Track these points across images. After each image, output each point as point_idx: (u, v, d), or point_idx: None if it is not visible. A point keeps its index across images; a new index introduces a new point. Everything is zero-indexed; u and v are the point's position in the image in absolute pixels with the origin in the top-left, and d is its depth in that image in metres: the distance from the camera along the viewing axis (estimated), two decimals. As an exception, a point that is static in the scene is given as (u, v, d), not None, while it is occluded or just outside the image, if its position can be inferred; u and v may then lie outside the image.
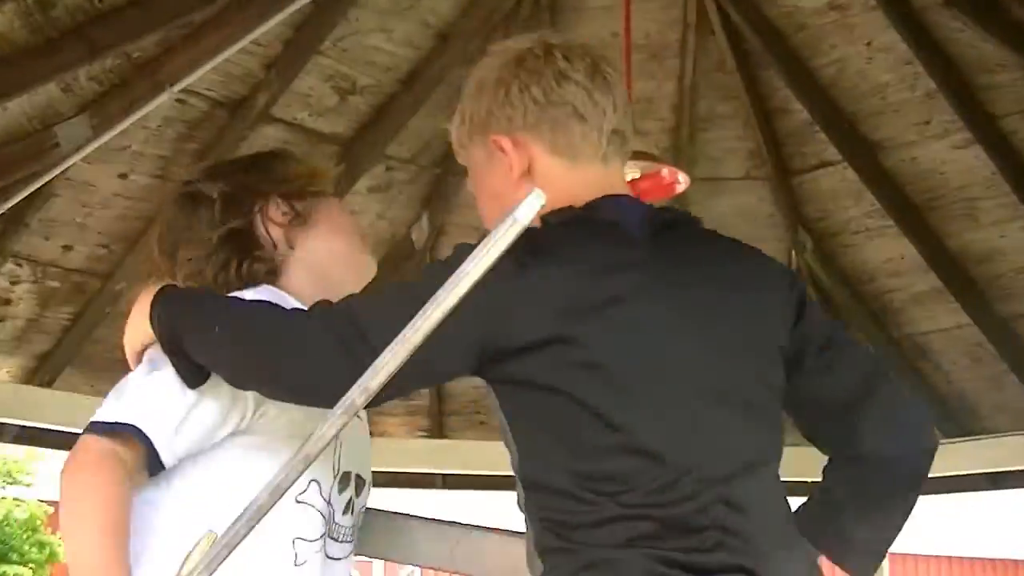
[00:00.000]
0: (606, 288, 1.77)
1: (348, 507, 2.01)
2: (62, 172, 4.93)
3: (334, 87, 5.42)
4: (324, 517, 1.95)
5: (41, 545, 15.52)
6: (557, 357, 1.72)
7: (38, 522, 15.72)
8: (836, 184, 5.83)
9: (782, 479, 1.90)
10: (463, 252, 1.67)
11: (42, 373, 5.87)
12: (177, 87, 4.87)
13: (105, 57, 4.63)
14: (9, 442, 6.45)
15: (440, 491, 7.02)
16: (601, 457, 1.73)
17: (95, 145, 4.83)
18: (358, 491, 2.03)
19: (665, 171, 4.24)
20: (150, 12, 4.54)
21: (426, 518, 2.18)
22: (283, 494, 1.65)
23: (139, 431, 1.80)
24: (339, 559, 1.99)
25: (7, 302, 5.58)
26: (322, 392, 1.73)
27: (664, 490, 1.72)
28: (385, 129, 5.66)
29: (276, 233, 2.10)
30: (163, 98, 4.89)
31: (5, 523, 15.38)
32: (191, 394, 1.84)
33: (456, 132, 2.02)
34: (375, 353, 1.64)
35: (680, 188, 4.32)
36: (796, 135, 5.74)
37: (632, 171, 4.11)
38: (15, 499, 15.90)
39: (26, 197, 4.96)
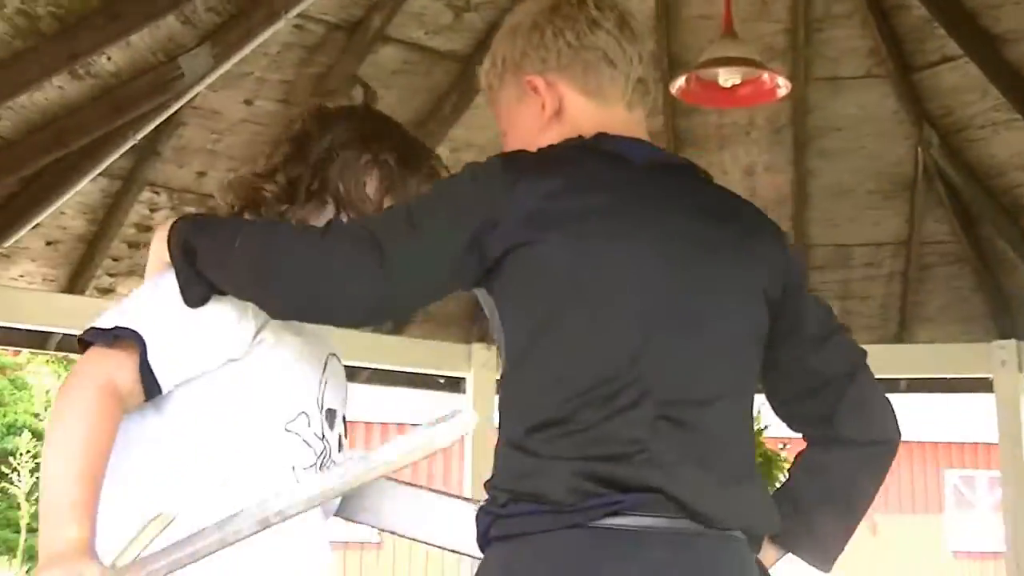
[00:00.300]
0: (586, 201, 1.86)
1: (340, 445, 2.08)
2: (189, 101, 5.10)
3: (448, 4, 5.46)
4: (316, 451, 2.00)
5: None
6: (530, 260, 1.82)
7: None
8: (959, 79, 5.68)
9: None
10: (467, 166, 1.90)
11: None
12: (292, 13, 4.98)
13: (221, -13, 4.76)
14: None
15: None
16: (552, 360, 1.82)
17: (217, 74, 4.97)
18: (344, 431, 2.10)
19: (765, 76, 4.21)
20: (259, -59, 4.65)
21: (449, 494, 2.25)
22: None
23: (137, 337, 1.86)
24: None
25: (147, 228, 5.80)
26: (339, 301, 1.86)
27: (605, 401, 1.78)
28: (501, 44, 5.68)
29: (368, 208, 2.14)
30: (279, 25, 5.00)
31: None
32: (192, 313, 1.90)
33: (488, 73, 2.13)
34: (389, 263, 1.80)
35: (781, 93, 4.29)
36: (915, 31, 5.60)
37: (733, 76, 4.11)
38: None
39: (156, 127, 5.15)
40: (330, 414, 2.05)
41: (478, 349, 6.46)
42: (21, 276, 5.65)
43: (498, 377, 1.93)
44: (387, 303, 1.90)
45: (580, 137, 1.97)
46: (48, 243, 5.56)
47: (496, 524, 1.79)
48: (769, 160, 6.17)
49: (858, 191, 6.24)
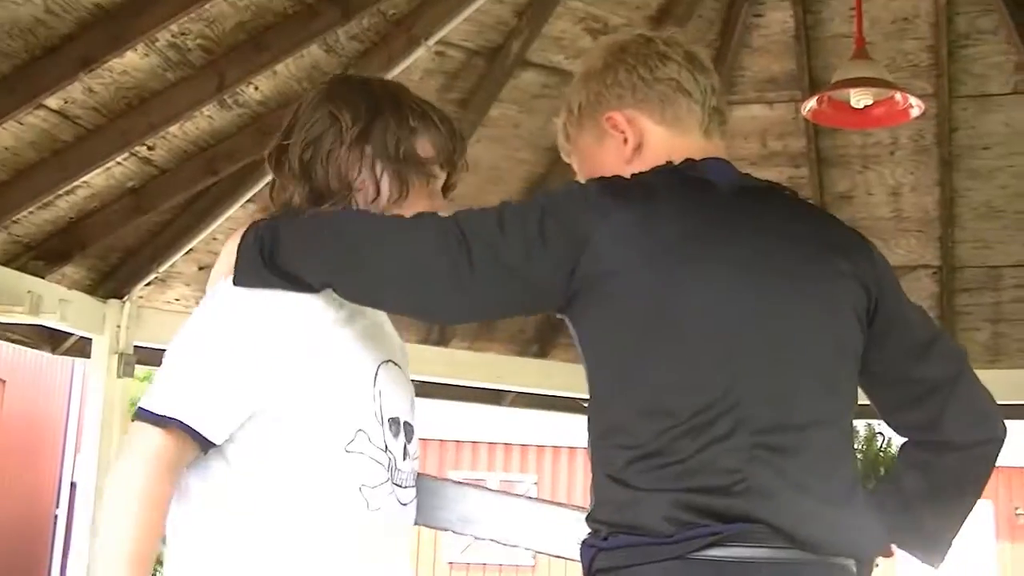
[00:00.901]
0: (676, 228, 1.87)
1: (404, 453, 2.05)
2: (335, 128, 5.22)
3: (586, 28, 5.50)
4: (383, 464, 1.99)
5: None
6: (620, 286, 1.83)
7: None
8: (1111, 94, 5.54)
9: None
10: (562, 187, 1.92)
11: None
12: (432, 40, 5.10)
13: (361, 17, 4.87)
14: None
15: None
16: (645, 391, 1.81)
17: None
18: (408, 438, 2.07)
19: (898, 96, 4.16)
20: (399, -30, 4.76)
21: (493, 490, 2.24)
22: None
23: (186, 424, 1.87)
24: (408, 504, 2.05)
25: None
26: (420, 296, 1.90)
27: (700, 431, 1.77)
28: (640, 66, 5.69)
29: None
30: (420, 51, 5.12)
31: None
32: (234, 361, 1.91)
33: (564, 124, 2.14)
34: (474, 265, 1.83)
35: (914, 113, 4.23)
36: (1064, 45, 5.48)
37: (865, 97, 4.07)
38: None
39: (302, 154, 5.28)
40: (393, 423, 2.03)
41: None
42: (176, 300, 5.85)
43: (587, 406, 1.91)
44: (466, 306, 1.93)
45: (669, 163, 1.98)
46: (201, 268, 5.74)
47: (599, 557, 1.80)
48: (915, 180, 6.08)
49: (1008, 211, 6.11)
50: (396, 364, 2.09)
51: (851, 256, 2.00)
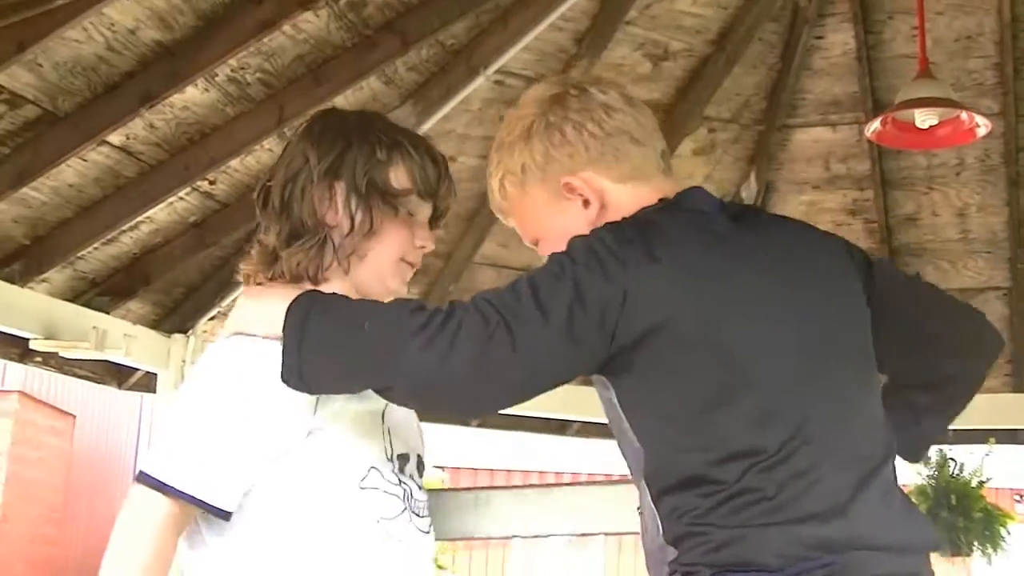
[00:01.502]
0: (710, 268, 1.82)
1: (419, 485, 2.04)
2: (393, 160, 5.23)
3: (646, 54, 5.48)
4: (400, 496, 1.98)
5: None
6: (675, 340, 1.76)
7: (436, 487, 16.60)
8: None
9: None
10: (576, 243, 1.84)
11: (396, 350, 6.22)
12: (491, 69, 5.09)
13: (419, 47, 4.87)
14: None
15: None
16: (729, 433, 1.77)
17: (420, 132, 5.09)
18: (420, 471, 2.06)
19: (964, 116, 4.10)
20: (456, 0, 4.75)
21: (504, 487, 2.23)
22: None
23: (199, 499, 1.85)
24: (428, 532, 2.05)
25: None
26: (468, 393, 1.83)
27: (781, 465, 1.75)
28: (701, 91, 5.67)
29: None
30: (479, 81, 5.12)
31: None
32: (242, 424, 1.89)
33: (501, 184, 2.07)
34: (520, 351, 1.76)
35: (981, 133, 4.16)
36: None
37: (929, 117, 4.01)
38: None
39: (363, 186, 5.29)
40: (401, 459, 2.01)
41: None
42: (238, 334, 5.85)
43: (646, 460, 1.84)
44: (516, 391, 1.84)
45: (663, 199, 1.94)
46: (263, 301, 5.73)
47: None
48: (982, 200, 5.99)
49: (1078, 231, 6.00)
50: None
51: (838, 256, 2.02)
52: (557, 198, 2.00)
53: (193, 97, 4.55)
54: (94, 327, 5.11)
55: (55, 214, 4.79)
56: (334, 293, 1.94)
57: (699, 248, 1.85)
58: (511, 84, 5.38)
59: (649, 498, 1.84)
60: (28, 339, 5.00)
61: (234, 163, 4.93)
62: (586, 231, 1.91)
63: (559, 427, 7.23)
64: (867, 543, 1.75)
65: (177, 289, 5.62)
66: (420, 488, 2.05)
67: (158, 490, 1.85)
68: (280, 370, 1.87)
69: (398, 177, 2.06)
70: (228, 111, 4.71)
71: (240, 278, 2.11)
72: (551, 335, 1.76)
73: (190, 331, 5.67)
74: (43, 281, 5.02)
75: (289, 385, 1.87)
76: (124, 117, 4.39)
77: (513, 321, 1.77)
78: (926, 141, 4.26)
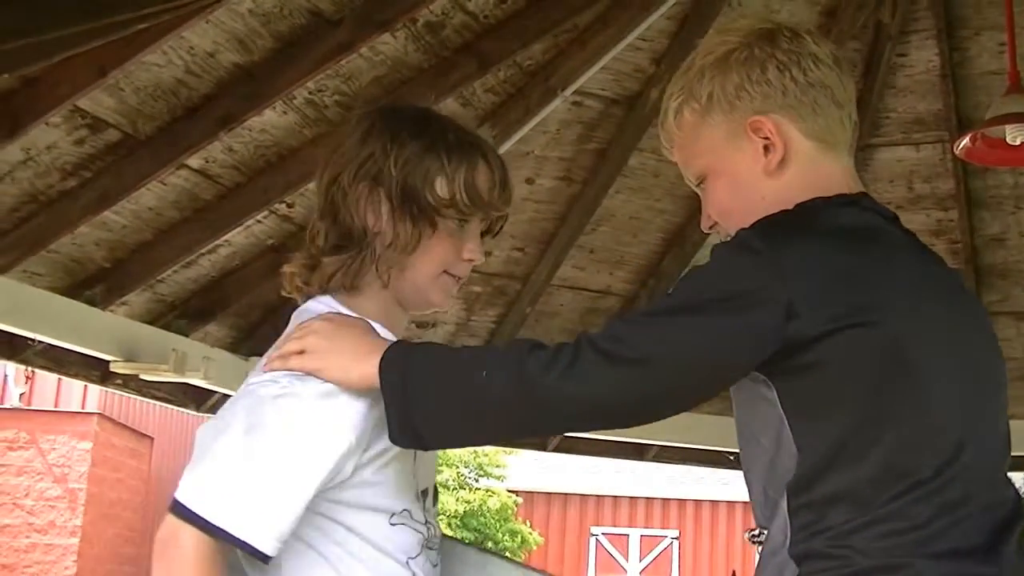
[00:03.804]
0: (892, 275, 1.73)
1: (435, 518, 1.98)
2: (471, 181, 5.21)
3: (725, 74, 5.41)
4: (424, 534, 1.91)
5: (513, 532, 16.32)
6: (857, 341, 1.66)
7: (509, 511, 16.56)
8: None
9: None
10: (720, 253, 1.73)
11: (474, 373, 6.19)
12: (569, 90, 5.06)
13: (497, 69, 4.85)
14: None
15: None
16: (888, 451, 1.67)
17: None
18: (435, 501, 2.00)
19: (1053, 134, 3.99)
20: (534, 20, 4.70)
21: (515, 562, 2.16)
22: None
23: (243, 541, 1.75)
24: (437, 565, 1.97)
25: (435, 307, 5.93)
26: (610, 422, 1.79)
27: (939, 491, 1.66)
28: (782, 111, 5.59)
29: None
30: (557, 102, 5.09)
31: (480, 513, 16.27)
32: (294, 479, 1.78)
33: (679, 110, 1.92)
34: (659, 374, 1.68)
35: (1073, 151, 4.06)
36: None
37: (1022, 132, 3.91)
38: (487, 490, 16.81)
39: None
40: (423, 495, 1.94)
41: (767, 423, 6.33)
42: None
43: (790, 479, 1.73)
44: (658, 412, 1.76)
45: (842, 195, 1.83)
46: (340, 322, 5.72)
47: None
48: (1071, 220, 5.86)
49: None
50: None
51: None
52: (738, 136, 1.85)
53: (271, 120, 4.55)
54: (173, 350, 5.13)
55: (135, 237, 4.82)
56: (426, 344, 1.85)
57: (886, 256, 1.75)
58: (589, 105, 5.35)
59: (784, 507, 1.73)
60: (108, 361, 5.03)
61: (311, 186, 4.92)
62: (759, 178, 1.83)
63: (637, 451, 7.15)
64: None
65: (254, 312, 5.62)
66: (436, 523, 1.98)
67: (198, 527, 1.75)
68: (389, 431, 1.78)
69: (449, 184, 1.91)
70: (306, 133, 4.70)
71: (284, 280, 2.02)
72: (700, 356, 1.70)
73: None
74: (123, 304, 5.04)
75: (402, 445, 1.80)
76: (203, 140, 4.41)
77: (653, 349, 1.69)
78: (1018, 158, 4.16)
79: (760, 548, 1.80)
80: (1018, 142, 3.95)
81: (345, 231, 1.92)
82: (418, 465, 1.94)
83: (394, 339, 1.90)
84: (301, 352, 1.84)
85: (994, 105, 4.06)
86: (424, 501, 1.94)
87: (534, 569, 2.20)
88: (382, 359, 1.79)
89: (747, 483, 1.86)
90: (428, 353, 1.82)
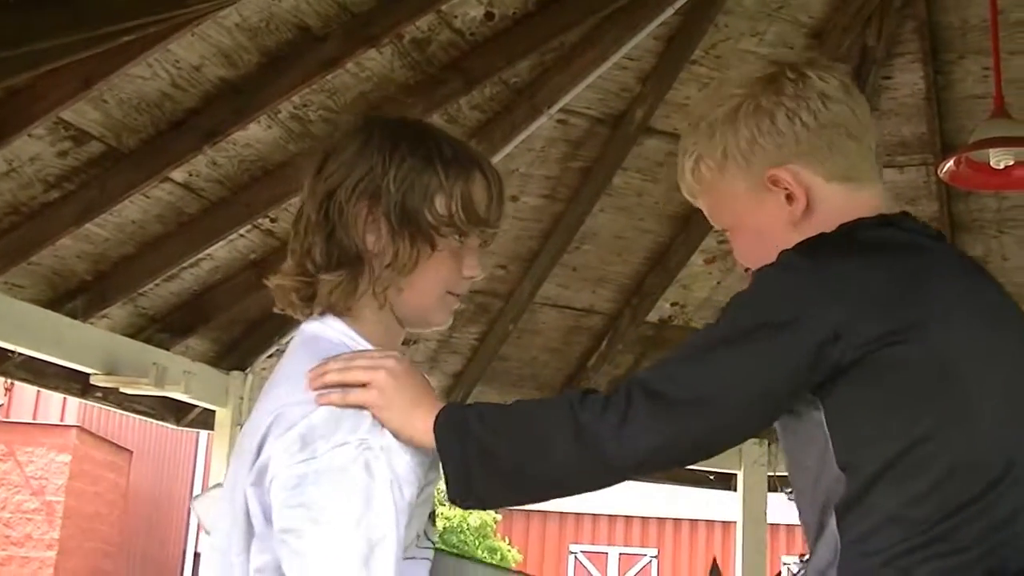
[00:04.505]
0: (935, 292, 1.72)
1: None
2: (456, 198, 5.20)
3: (711, 94, 5.41)
4: (430, 558, 1.87)
5: (492, 550, 16.27)
6: (901, 359, 1.65)
7: (488, 529, 16.51)
8: None
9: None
10: (762, 276, 1.73)
11: (456, 391, 6.19)
12: (554, 108, 5.06)
13: (483, 86, 4.84)
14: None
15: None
16: (934, 469, 1.66)
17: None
18: (433, 523, 1.94)
19: (1044, 156, 4.01)
20: (520, 38, 4.70)
21: (489, 564, 2.13)
22: None
23: None
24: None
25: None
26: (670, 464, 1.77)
27: (982, 514, 1.65)
28: (767, 132, 5.59)
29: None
30: (542, 120, 5.09)
31: (459, 530, 16.22)
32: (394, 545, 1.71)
33: (696, 166, 1.91)
34: (701, 404, 1.68)
35: (1064, 174, 4.07)
36: None
37: (1005, 157, 3.93)
38: (467, 507, 16.80)
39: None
40: (431, 517, 1.90)
41: (749, 446, 6.32)
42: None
43: (838, 500, 1.71)
44: (720, 448, 1.75)
45: (882, 216, 1.82)
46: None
47: None
48: (1055, 244, 5.87)
49: None
50: None
51: None
52: (758, 189, 1.84)
53: (256, 134, 4.54)
54: (154, 363, 5.10)
55: (118, 250, 4.80)
56: (479, 404, 1.84)
57: (924, 276, 1.74)
58: (574, 123, 5.35)
59: (833, 527, 1.72)
60: (89, 374, 5.00)
61: (295, 201, 4.90)
62: (785, 229, 1.82)
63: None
64: None
65: (237, 326, 5.60)
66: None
67: None
68: (448, 492, 1.76)
69: (447, 201, 1.86)
70: (290, 148, 4.69)
71: (274, 294, 1.95)
72: (748, 390, 1.68)
73: (248, 368, 5.65)
74: (104, 317, 5.02)
75: (459, 505, 1.79)
76: (187, 154, 4.39)
77: (706, 390, 1.69)
78: (1001, 182, 4.16)
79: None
80: (1002, 166, 3.96)
81: (341, 249, 1.86)
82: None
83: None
84: (364, 385, 1.79)
85: (979, 129, 4.07)
86: (433, 519, 1.91)
87: (508, 570, 2.18)
88: (436, 424, 1.77)
89: (797, 506, 1.84)
90: (482, 418, 1.79)
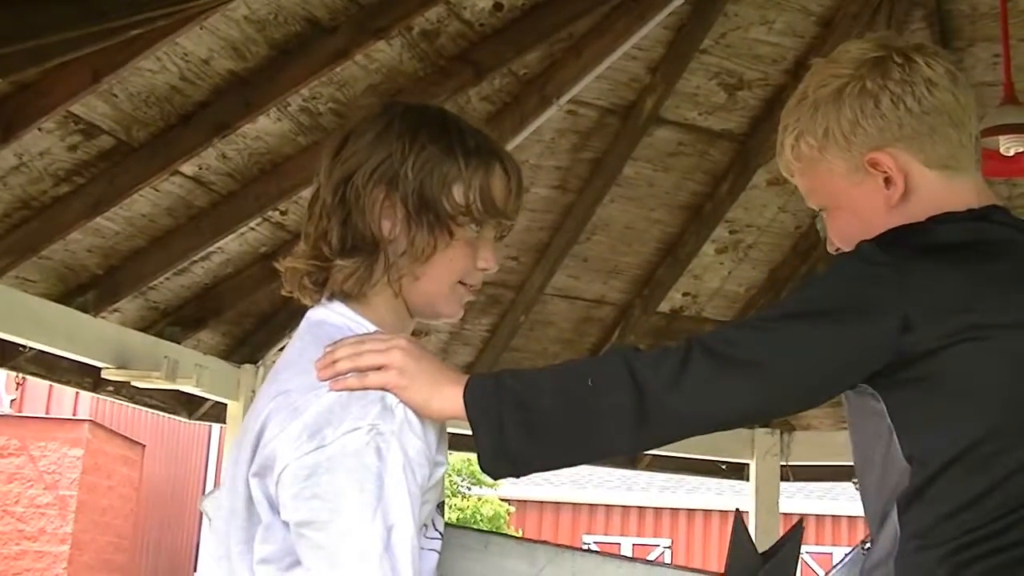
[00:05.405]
0: (1014, 290, 1.72)
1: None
2: (465, 190, 5.20)
3: (721, 84, 5.40)
4: (437, 551, 1.82)
5: (505, 541, 16.31)
6: (970, 356, 1.66)
7: (502, 520, 16.53)
8: None
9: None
10: (839, 263, 1.75)
11: (468, 382, 6.18)
12: (564, 99, 5.05)
13: (492, 77, 4.84)
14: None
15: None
16: (1007, 464, 1.67)
17: (492, 162, 5.06)
18: (441, 513, 1.90)
19: (1052, 144, 4.00)
20: (530, 29, 4.69)
21: (517, 537, 2.12)
22: None
23: None
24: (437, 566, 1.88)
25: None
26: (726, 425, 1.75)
27: None
28: (777, 122, 5.56)
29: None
30: (552, 111, 5.08)
31: (473, 521, 16.24)
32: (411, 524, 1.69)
33: (796, 143, 1.92)
34: (759, 368, 1.69)
35: (1071, 162, 4.06)
36: None
37: (1015, 144, 3.91)
38: (480, 498, 16.79)
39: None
40: (440, 506, 1.85)
41: (761, 435, 6.33)
42: (310, 363, 5.84)
43: (900, 492, 1.72)
44: (765, 416, 1.84)
45: (971, 210, 1.80)
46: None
47: None
48: (1065, 232, 5.84)
49: None
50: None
51: None
52: (857, 171, 1.84)
53: (265, 127, 4.54)
54: (165, 357, 5.11)
55: (128, 244, 4.80)
56: (510, 369, 1.81)
57: (1004, 273, 1.73)
58: (584, 114, 5.34)
59: (895, 519, 1.73)
60: (100, 368, 5.01)
61: (305, 193, 4.88)
62: (881, 212, 1.82)
63: (628, 460, 7.13)
64: None
65: (247, 320, 5.61)
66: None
67: None
68: (480, 461, 1.74)
69: (466, 191, 1.84)
70: (300, 141, 4.69)
71: (284, 276, 1.93)
72: (816, 364, 1.70)
73: (260, 362, 5.67)
74: (115, 311, 5.03)
75: (493, 474, 1.76)
76: (197, 147, 4.40)
77: (768, 354, 1.70)
78: (1011, 169, 4.15)
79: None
80: (1012, 153, 3.95)
81: (357, 235, 1.84)
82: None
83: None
84: (380, 367, 1.76)
85: (988, 116, 4.06)
86: (441, 510, 1.87)
87: (534, 541, 2.18)
88: (467, 387, 1.75)
89: (861, 497, 1.85)
90: (517, 375, 1.78)
